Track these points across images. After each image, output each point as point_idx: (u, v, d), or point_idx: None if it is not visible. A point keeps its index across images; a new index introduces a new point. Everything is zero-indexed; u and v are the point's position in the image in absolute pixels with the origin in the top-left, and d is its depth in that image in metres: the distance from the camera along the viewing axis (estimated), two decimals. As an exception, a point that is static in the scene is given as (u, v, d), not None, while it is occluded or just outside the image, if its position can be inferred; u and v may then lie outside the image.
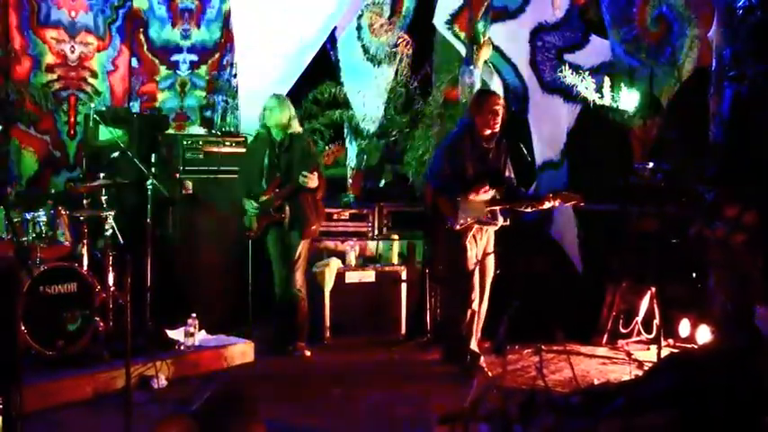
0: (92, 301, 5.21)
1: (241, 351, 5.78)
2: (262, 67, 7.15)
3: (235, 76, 7.50)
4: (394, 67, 7.57)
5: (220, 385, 3.78)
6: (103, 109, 6.89)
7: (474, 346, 5.58)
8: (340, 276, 6.37)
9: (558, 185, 6.58)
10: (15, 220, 5.01)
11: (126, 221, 5.86)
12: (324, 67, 7.56)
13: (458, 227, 5.46)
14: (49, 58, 6.90)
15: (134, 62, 7.37)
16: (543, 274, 6.44)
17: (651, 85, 6.67)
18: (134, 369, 4.70)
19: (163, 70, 7.52)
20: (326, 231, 6.59)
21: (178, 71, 7.59)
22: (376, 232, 6.76)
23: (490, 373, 5.37)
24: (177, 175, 6.27)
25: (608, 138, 6.84)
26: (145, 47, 7.42)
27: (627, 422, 3.49)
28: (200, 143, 6.49)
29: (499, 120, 5.52)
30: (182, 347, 5.52)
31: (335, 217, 6.71)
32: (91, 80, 7.13)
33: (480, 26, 6.77)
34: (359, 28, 7.54)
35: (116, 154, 5.85)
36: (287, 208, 5.85)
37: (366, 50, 7.55)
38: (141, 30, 7.40)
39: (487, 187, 5.45)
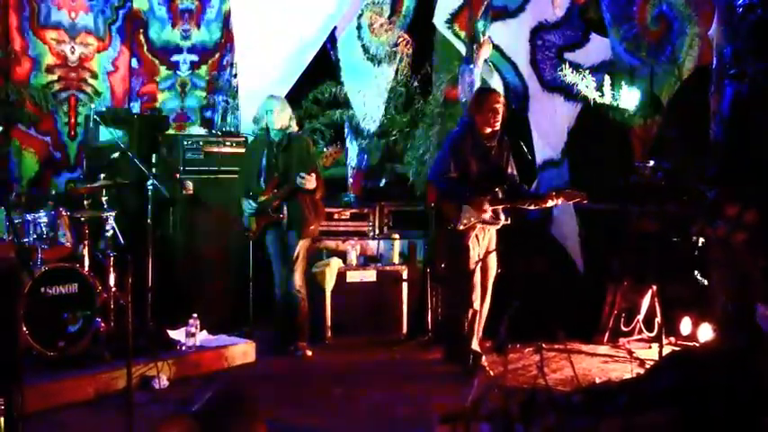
0: (93, 301, 5.21)
1: (242, 351, 5.78)
2: (262, 67, 7.15)
3: (235, 76, 7.49)
4: (394, 67, 7.57)
5: (221, 385, 3.78)
6: (104, 110, 6.90)
7: (475, 345, 5.58)
8: (341, 276, 6.37)
9: (559, 184, 6.57)
10: (16, 221, 5.02)
11: (127, 222, 5.87)
12: (324, 66, 7.56)
13: (461, 227, 5.46)
14: (50, 59, 6.91)
15: (134, 63, 7.38)
16: (544, 274, 6.44)
17: (651, 84, 6.66)
18: (135, 369, 4.70)
19: (163, 71, 7.53)
20: (327, 231, 6.59)
21: (178, 71, 7.59)
22: (377, 232, 6.76)
23: (492, 373, 5.37)
24: (177, 176, 6.27)
25: (608, 136, 6.84)
26: (145, 47, 7.43)
27: (628, 421, 3.49)
28: (201, 143, 6.49)
29: (499, 118, 5.53)
30: (183, 348, 5.52)
31: (336, 216, 6.71)
32: (91, 81, 7.14)
33: (480, 25, 6.77)
34: (359, 27, 7.54)
35: (116, 155, 5.85)
36: (284, 208, 5.84)
37: (366, 50, 7.54)
38: (141, 30, 7.41)
39: (485, 203, 5.45)
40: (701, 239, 5.92)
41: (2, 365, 3.67)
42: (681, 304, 6.15)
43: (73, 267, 5.23)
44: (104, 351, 5.17)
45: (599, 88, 6.58)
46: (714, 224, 5.34)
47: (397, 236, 6.67)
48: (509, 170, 5.69)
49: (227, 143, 6.56)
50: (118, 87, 7.26)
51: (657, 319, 5.91)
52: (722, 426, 3.37)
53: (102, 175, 5.61)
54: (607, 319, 6.43)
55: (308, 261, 6.08)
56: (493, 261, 5.64)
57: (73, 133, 7.04)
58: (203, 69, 7.68)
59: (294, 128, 6.01)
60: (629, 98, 6.58)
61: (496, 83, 7.08)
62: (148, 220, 5.72)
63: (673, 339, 6.13)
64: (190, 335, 5.56)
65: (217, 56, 7.71)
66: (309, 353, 5.99)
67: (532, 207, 5.67)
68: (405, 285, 6.47)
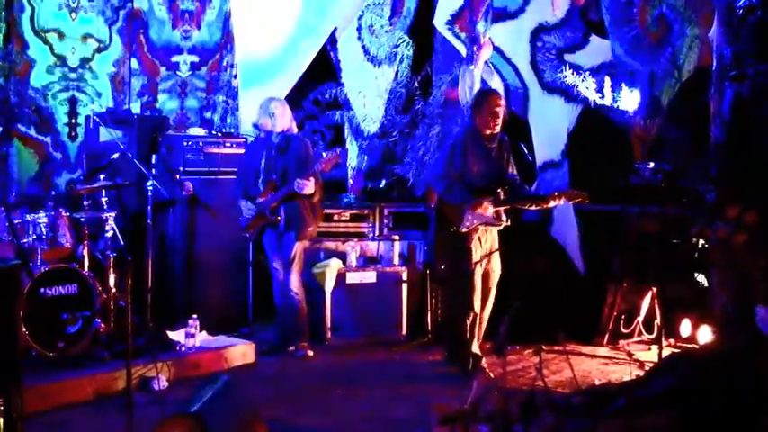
0: (92, 302, 5.20)
1: (242, 352, 5.77)
2: (262, 67, 7.15)
3: (235, 77, 7.50)
4: (394, 68, 7.58)
5: (222, 386, 3.78)
6: (104, 110, 6.90)
7: (476, 348, 5.58)
8: (341, 277, 6.37)
9: (560, 186, 6.57)
10: (16, 221, 5.01)
11: (126, 223, 5.87)
12: (324, 67, 7.56)
13: (464, 229, 5.46)
14: (50, 60, 6.91)
15: (134, 63, 7.38)
16: (544, 275, 6.43)
17: (652, 86, 6.66)
18: (135, 370, 4.69)
19: (163, 71, 7.53)
20: (327, 232, 6.59)
21: (178, 72, 7.59)
22: (377, 233, 6.76)
23: (491, 374, 5.36)
24: (177, 177, 6.27)
25: (608, 138, 6.84)
26: (145, 48, 7.43)
27: (628, 422, 3.48)
28: (201, 144, 6.49)
29: (499, 121, 5.52)
30: (182, 348, 5.52)
31: (336, 218, 6.71)
32: (91, 82, 7.14)
33: (481, 27, 6.77)
34: (359, 29, 7.55)
35: (116, 155, 5.85)
36: (282, 210, 5.83)
37: (366, 51, 7.55)
38: (142, 31, 7.41)
39: (487, 204, 5.44)
40: (702, 241, 5.93)
41: (1, 366, 3.66)
42: (681, 306, 6.15)
43: (73, 268, 5.23)
44: (104, 352, 5.17)
45: (599, 90, 6.58)
46: (714, 225, 5.34)
47: (396, 237, 6.67)
48: (509, 170, 5.68)
49: (227, 144, 6.55)
50: (118, 88, 7.26)
51: (657, 321, 5.90)
52: (722, 427, 3.37)
53: (102, 176, 5.61)
54: (607, 320, 6.42)
55: (305, 262, 6.08)
56: (497, 264, 5.63)
57: (73, 134, 7.04)
58: (203, 70, 7.68)
59: (294, 129, 6.00)
60: (629, 100, 6.58)
61: (496, 84, 7.08)
62: (148, 221, 5.71)
63: (672, 341, 6.12)
64: (189, 336, 5.55)
65: (217, 57, 7.71)
66: (311, 353, 5.98)
67: (534, 208, 5.67)
68: (404, 287, 6.46)
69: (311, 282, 6.27)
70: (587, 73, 6.66)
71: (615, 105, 6.59)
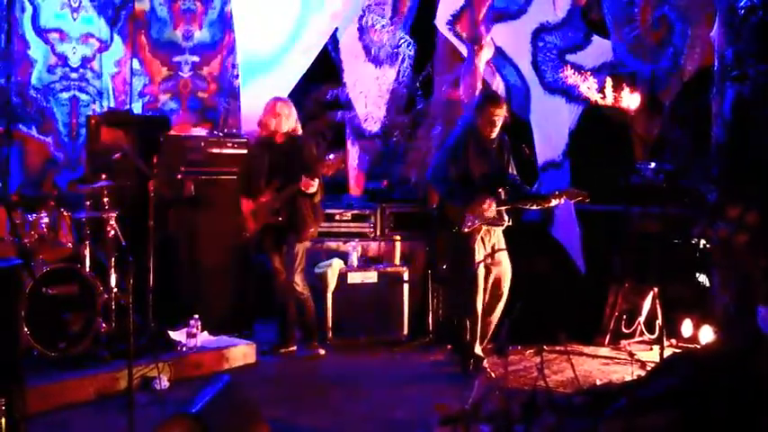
0: (94, 302, 5.21)
1: (243, 352, 5.78)
2: (263, 67, 7.15)
3: (236, 76, 7.50)
4: (396, 68, 7.57)
5: (223, 387, 3.78)
6: (105, 110, 6.90)
7: (478, 350, 5.58)
8: (342, 277, 6.37)
9: (561, 186, 6.56)
10: (17, 221, 5.02)
11: (128, 223, 5.86)
12: (325, 67, 7.56)
13: (466, 229, 5.46)
14: (51, 60, 6.91)
15: (136, 63, 7.38)
16: (545, 275, 6.44)
17: (653, 86, 6.66)
18: (136, 370, 4.70)
19: (164, 71, 7.52)
20: (329, 232, 6.59)
21: (180, 72, 7.59)
22: (378, 233, 6.76)
23: (492, 374, 5.36)
24: (179, 177, 6.27)
25: (610, 138, 6.84)
26: (147, 48, 7.43)
27: (629, 423, 3.48)
28: (202, 144, 6.48)
29: (497, 129, 5.56)
30: (184, 348, 5.52)
31: (338, 218, 6.71)
32: (93, 81, 7.14)
33: (482, 27, 6.77)
34: (361, 29, 7.54)
35: (118, 155, 5.85)
36: (283, 210, 5.83)
37: (368, 51, 7.55)
38: (143, 31, 7.41)
39: (490, 202, 5.44)
40: (703, 241, 5.93)
41: (3, 366, 3.67)
42: (682, 306, 6.15)
43: (74, 268, 5.23)
44: (105, 352, 5.17)
45: (600, 90, 6.57)
46: (716, 225, 5.34)
47: (398, 237, 6.67)
48: (510, 170, 5.68)
49: (228, 144, 6.55)
50: (119, 88, 7.27)
51: (659, 321, 5.90)
52: (723, 428, 3.37)
53: (104, 176, 5.61)
54: (608, 320, 6.43)
55: (307, 262, 6.08)
56: (507, 266, 5.63)
57: (74, 134, 7.04)
58: (205, 70, 7.68)
59: (299, 130, 6.00)
60: (630, 100, 6.57)
61: (498, 84, 7.08)
62: (150, 221, 5.71)
63: (674, 341, 6.12)
64: (190, 336, 5.56)
65: (218, 57, 7.71)
66: (322, 352, 5.99)
67: (535, 207, 5.67)
68: (406, 287, 6.46)
69: (312, 282, 6.27)
70: (588, 73, 6.65)
71: (616, 105, 6.58)
